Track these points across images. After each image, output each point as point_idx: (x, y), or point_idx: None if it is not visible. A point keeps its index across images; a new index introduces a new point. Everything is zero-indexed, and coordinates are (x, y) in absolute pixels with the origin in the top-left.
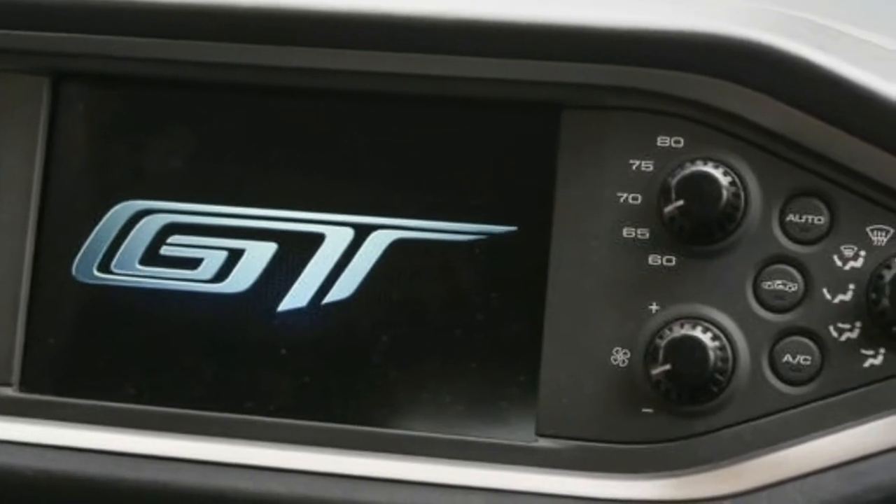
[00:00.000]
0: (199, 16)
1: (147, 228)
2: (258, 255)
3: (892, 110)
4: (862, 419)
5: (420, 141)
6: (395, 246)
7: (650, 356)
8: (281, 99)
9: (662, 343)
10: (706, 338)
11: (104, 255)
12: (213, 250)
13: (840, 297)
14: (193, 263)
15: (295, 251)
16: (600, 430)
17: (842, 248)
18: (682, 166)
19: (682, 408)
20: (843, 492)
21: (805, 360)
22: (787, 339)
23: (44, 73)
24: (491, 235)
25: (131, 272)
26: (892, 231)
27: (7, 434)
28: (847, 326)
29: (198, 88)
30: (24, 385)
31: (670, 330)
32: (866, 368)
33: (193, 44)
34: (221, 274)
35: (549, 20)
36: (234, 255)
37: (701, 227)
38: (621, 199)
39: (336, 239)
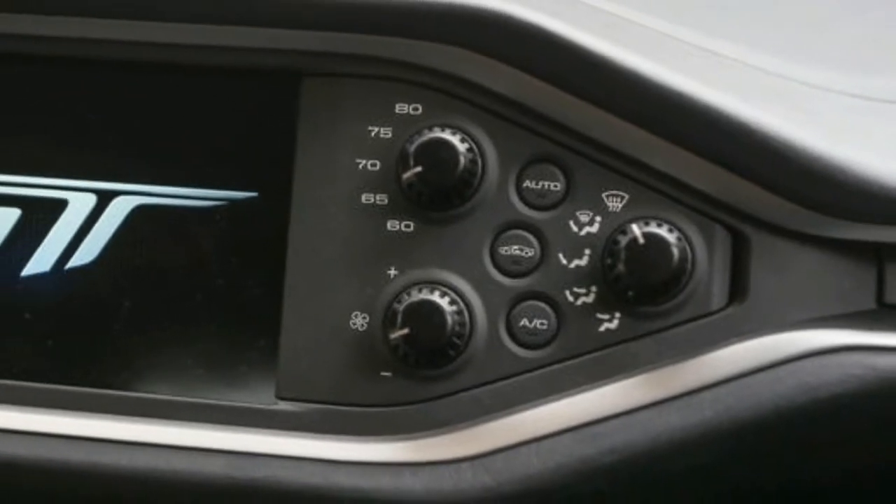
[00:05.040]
0: None
1: None
2: (1, 221)
3: (624, 76)
4: (597, 383)
5: (162, 109)
6: (138, 212)
7: (389, 320)
8: (22, 66)
9: (401, 307)
10: (444, 302)
11: None
12: None
13: (576, 262)
14: None
15: (38, 217)
16: (340, 393)
17: (577, 213)
18: (419, 133)
19: (421, 371)
20: (578, 454)
21: (541, 324)
22: (524, 304)
23: None
24: (232, 201)
25: None
26: (626, 197)
27: None
28: (583, 291)
29: None
30: None
31: (408, 294)
32: (601, 332)
33: None
34: None
35: None
36: None
37: (439, 193)
38: (360, 166)
39: (79, 205)
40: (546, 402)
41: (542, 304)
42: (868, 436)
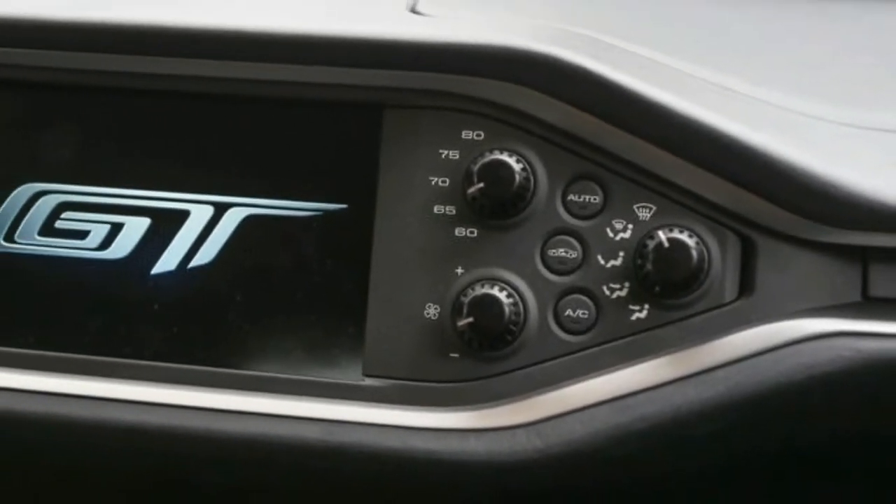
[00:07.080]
0: (84, 31)
1: (44, 206)
2: (135, 228)
3: (653, 108)
4: (629, 362)
5: (268, 135)
6: (248, 221)
7: (456, 311)
8: (154, 100)
9: (466, 300)
10: (502, 296)
11: (9, 229)
12: (98, 224)
13: (612, 262)
14: (82, 235)
15: (165, 224)
16: (416, 371)
17: (613, 222)
18: (482, 155)
19: (483, 353)
20: (614, 422)
21: (583, 314)
22: (569, 297)
23: None
24: (326, 212)
25: (32, 242)
26: (654, 208)
27: None
28: (618, 286)
29: (82, 92)
30: None
31: (473, 289)
32: (633, 321)
33: (78, 55)
34: (105, 243)
35: (373, 35)
36: (116, 228)
37: (498, 205)
38: (433, 183)
39: (199, 214)
40: (587, 379)
41: (584, 298)
42: (854, 408)
